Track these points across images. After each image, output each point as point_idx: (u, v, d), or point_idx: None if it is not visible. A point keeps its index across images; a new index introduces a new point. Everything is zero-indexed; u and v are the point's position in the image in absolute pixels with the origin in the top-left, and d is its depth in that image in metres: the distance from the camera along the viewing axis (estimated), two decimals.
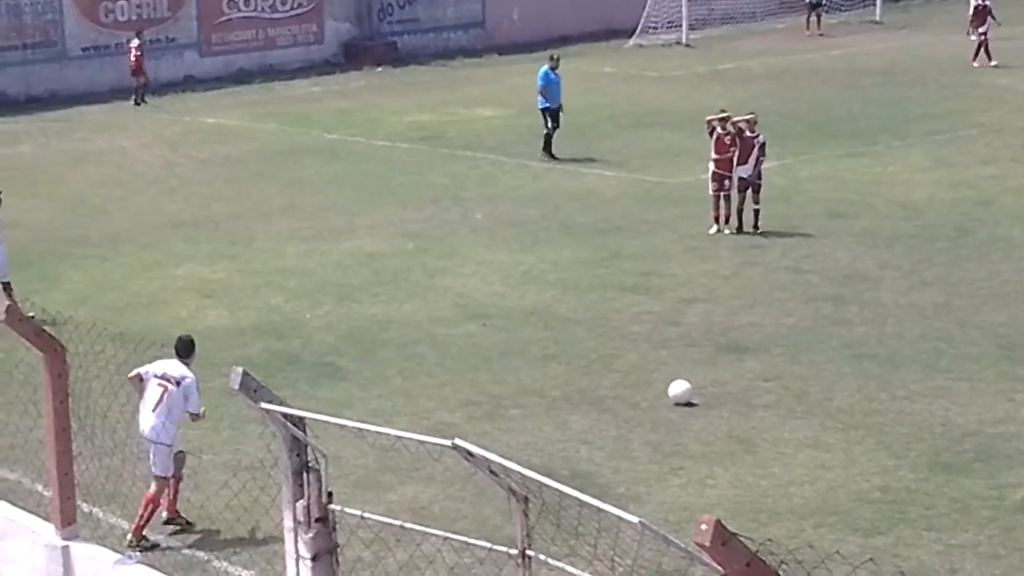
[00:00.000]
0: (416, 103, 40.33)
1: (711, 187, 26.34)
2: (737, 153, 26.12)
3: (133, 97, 42.58)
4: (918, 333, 20.75)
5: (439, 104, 40.11)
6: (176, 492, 15.00)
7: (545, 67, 33.70)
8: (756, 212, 26.24)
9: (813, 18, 51.56)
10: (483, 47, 49.24)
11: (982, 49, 41.96)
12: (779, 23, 52.85)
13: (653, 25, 50.24)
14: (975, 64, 41.60)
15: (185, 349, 15.02)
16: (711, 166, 26.39)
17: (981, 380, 18.85)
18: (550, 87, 33.22)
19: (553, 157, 32.90)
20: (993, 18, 42.55)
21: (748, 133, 26.16)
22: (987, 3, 42.48)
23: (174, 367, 14.84)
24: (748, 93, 39.75)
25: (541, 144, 33.17)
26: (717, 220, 26.31)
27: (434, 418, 17.71)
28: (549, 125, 33.15)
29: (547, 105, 33.17)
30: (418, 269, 24.66)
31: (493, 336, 21.16)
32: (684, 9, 50.20)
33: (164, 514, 14.96)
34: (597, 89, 41.81)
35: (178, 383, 14.69)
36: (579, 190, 29.91)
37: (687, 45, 49.53)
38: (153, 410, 14.65)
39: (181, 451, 15.04)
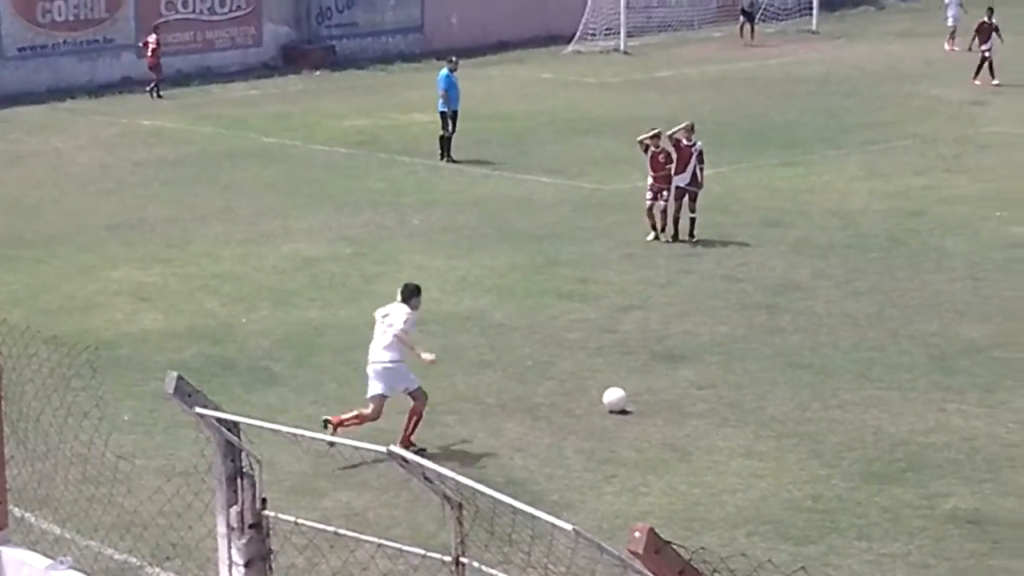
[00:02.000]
0: (354, 107, 40.28)
1: (648, 196, 26.42)
2: (676, 161, 26.22)
3: (150, 89, 42.62)
4: (851, 343, 20.90)
5: (377, 109, 40.07)
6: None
7: (445, 70, 33.85)
8: (692, 220, 26.35)
9: (747, 27, 51.73)
10: (421, 52, 49.20)
11: (985, 66, 41.26)
12: (716, 31, 53.06)
13: (591, 32, 50.35)
14: (976, 82, 41.01)
15: (406, 294, 17.54)
16: (649, 180, 26.48)
17: (913, 390, 19.01)
18: (451, 90, 33.35)
19: (452, 160, 33.04)
20: (999, 36, 41.84)
21: (685, 141, 26.28)
22: (993, 21, 42.04)
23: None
24: (685, 101, 39.92)
25: (439, 148, 33.29)
26: (654, 228, 26.42)
27: (368, 424, 17.70)
28: (449, 128, 33.29)
29: (446, 108, 33.29)
30: (355, 274, 24.64)
31: (429, 342, 21.08)
32: (622, 16, 50.33)
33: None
34: (535, 95, 41.89)
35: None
36: (516, 196, 29.95)
37: (625, 52, 49.65)
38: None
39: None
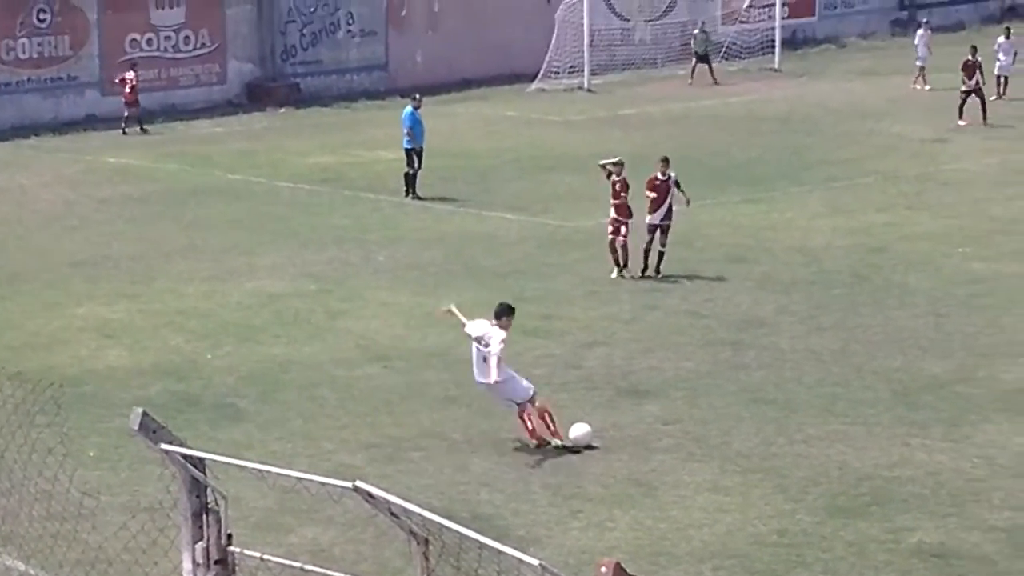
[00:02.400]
0: (319, 144, 40.31)
1: (609, 231, 26.54)
2: (655, 197, 26.32)
3: (129, 124, 42.56)
4: (815, 378, 21.02)
5: (342, 146, 40.10)
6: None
7: (409, 107, 33.94)
8: (660, 255, 26.45)
9: (705, 67, 51.75)
10: (386, 89, 49.24)
11: (971, 103, 41.19)
12: (680, 69, 53.20)
13: (555, 70, 50.49)
14: (961, 122, 40.64)
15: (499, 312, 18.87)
16: (611, 213, 26.61)
17: (877, 425, 19.12)
18: (415, 127, 33.46)
19: (417, 197, 33.12)
20: (981, 74, 41.66)
21: (660, 176, 26.41)
22: (978, 58, 42.01)
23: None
24: (649, 138, 40.01)
25: (404, 185, 33.36)
26: (617, 264, 26.50)
27: (335, 460, 17.70)
28: (415, 165, 33.37)
29: (411, 145, 33.39)
30: (320, 311, 24.64)
31: (394, 378, 21.20)
32: (586, 54, 50.49)
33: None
34: (499, 133, 42.00)
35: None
36: (481, 233, 30.01)
37: (589, 90, 49.80)
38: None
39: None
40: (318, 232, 30.26)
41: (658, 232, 26.42)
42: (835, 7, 64.11)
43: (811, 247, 28.23)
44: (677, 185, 26.52)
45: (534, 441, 18.45)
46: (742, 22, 56.79)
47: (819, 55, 58.23)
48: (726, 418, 19.46)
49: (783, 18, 57.17)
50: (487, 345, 18.44)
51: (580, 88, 49.89)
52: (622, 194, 26.45)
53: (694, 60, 51.83)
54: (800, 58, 56.91)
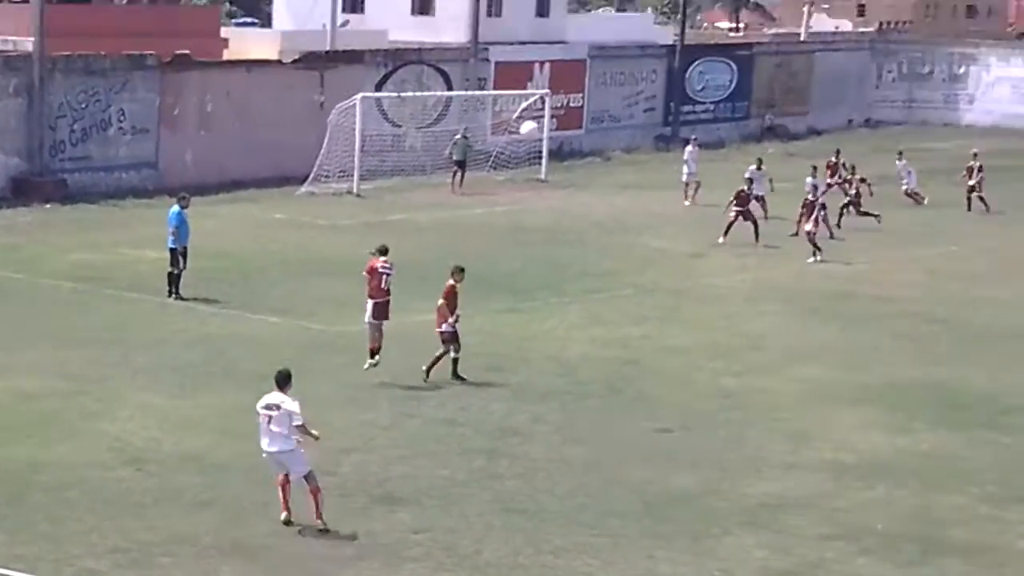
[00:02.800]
0: (83, 242, 39.88)
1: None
2: (449, 305, 26.89)
3: None
4: (566, 488, 21.41)
5: (107, 244, 39.73)
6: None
7: (176, 207, 33.90)
8: (455, 361, 26.90)
9: (458, 175, 52.49)
10: (155, 188, 48.84)
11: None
12: (448, 177, 53.92)
13: (326, 173, 50.73)
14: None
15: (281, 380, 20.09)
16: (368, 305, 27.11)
17: (624, 536, 19.56)
18: (181, 227, 33.48)
19: (181, 297, 33.07)
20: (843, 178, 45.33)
21: (452, 281, 26.97)
22: (841, 159, 45.12)
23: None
24: (416, 245, 40.40)
25: (167, 285, 33.28)
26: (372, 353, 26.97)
27: (79, 565, 17.56)
28: (179, 265, 33.34)
29: (176, 245, 33.38)
30: (74, 411, 24.39)
31: (147, 481, 21.09)
32: (356, 159, 50.86)
33: None
34: (267, 235, 42.03)
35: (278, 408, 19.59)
36: (244, 335, 30.00)
37: (358, 195, 50.12)
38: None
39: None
40: (77, 331, 29.95)
41: (454, 339, 26.85)
42: (601, 121, 65.70)
43: (568, 357, 28.77)
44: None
45: (320, 522, 19.43)
46: (511, 132, 57.78)
47: (584, 167, 59.47)
48: (477, 527, 19.73)
49: (551, 130, 58.36)
50: (278, 408, 19.69)
51: (350, 192, 50.19)
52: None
53: (454, 167, 52.47)
54: (566, 170, 58.04)
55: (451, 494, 21.04)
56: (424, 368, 26.80)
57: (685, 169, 49.55)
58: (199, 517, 19.75)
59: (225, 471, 21.65)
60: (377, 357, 27.15)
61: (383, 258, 27.77)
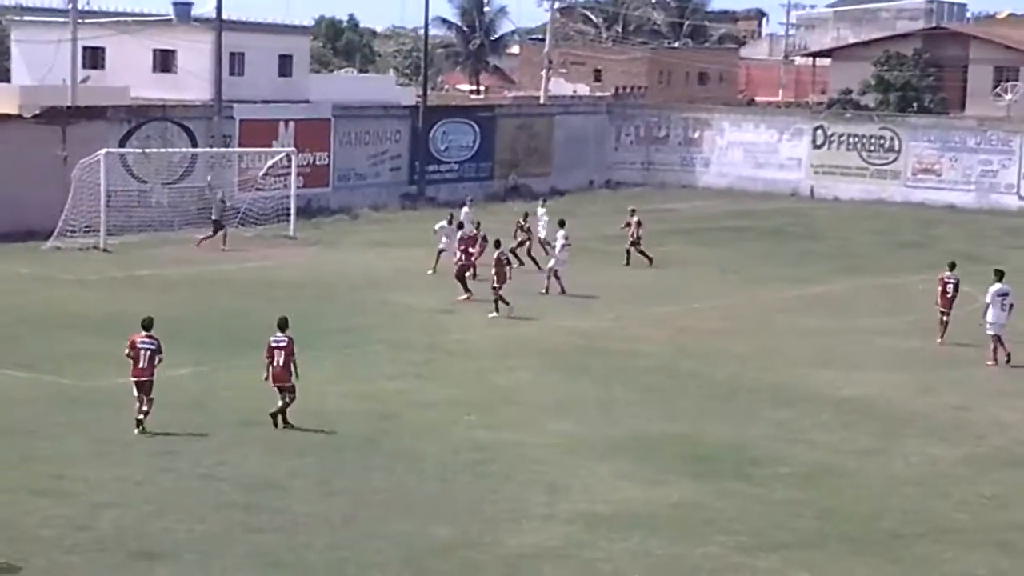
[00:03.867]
0: None
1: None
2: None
3: None
4: (326, 542, 21.45)
5: None
6: None
7: None
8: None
9: (220, 234, 52.21)
10: None
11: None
12: (198, 233, 53.50)
13: (71, 228, 50.00)
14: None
15: None
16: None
17: None
18: None
19: None
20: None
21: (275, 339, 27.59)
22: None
23: None
24: (165, 300, 40.07)
25: None
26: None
27: None
28: None
29: None
30: None
31: None
32: (103, 214, 50.23)
33: None
34: (10, 290, 41.23)
35: None
36: None
37: (105, 250, 49.49)
38: None
39: None
40: None
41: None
42: (348, 179, 65.96)
43: (324, 411, 28.79)
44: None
45: None
46: (258, 189, 57.66)
47: (332, 225, 59.57)
48: None
49: (298, 187, 58.42)
50: None
51: (96, 248, 49.55)
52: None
53: (213, 227, 52.12)
54: (314, 227, 58.09)
55: (210, 549, 20.93)
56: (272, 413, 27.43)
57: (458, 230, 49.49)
58: None
59: None
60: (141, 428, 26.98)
61: (144, 333, 27.43)
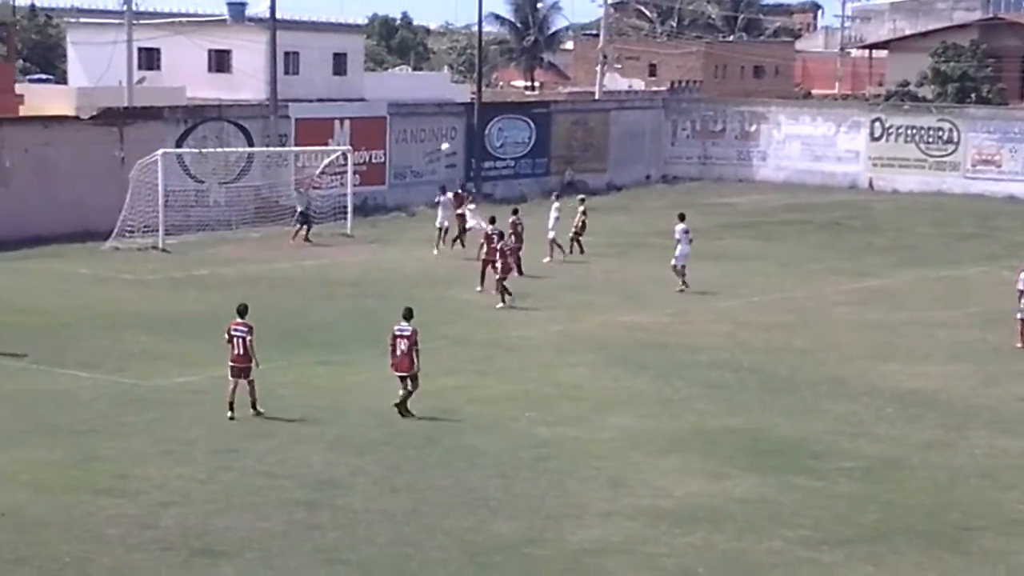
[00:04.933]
0: None
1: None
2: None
3: None
4: (388, 539, 21.42)
5: None
6: None
7: None
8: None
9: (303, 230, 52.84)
10: None
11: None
12: (254, 232, 53.71)
13: (129, 229, 50.27)
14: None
15: None
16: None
17: None
18: None
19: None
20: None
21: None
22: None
23: None
24: (223, 299, 40.17)
25: None
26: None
27: None
28: None
29: None
30: None
31: None
32: (161, 214, 50.47)
33: None
34: (72, 290, 41.48)
35: None
36: (54, 391, 29.53)
37: (163, 250, 49.72)
38: None
39: None
40: None
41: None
42: (404, 176, 65.99)
43: (384, 409, 28.75)
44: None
45: None
46: (315, 188, 57.76)
47: (389, 222, 59.66)
48: None
49: (355, 185, 58.52)
50: None
51: (154, 247, 49.78)
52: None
53: (300, 219, 52.81)
54: (371, 224, 58.18)
55: (273, 546, 20.93)
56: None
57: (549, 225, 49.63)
58: (15, 574, 19.43)
59: (40, 527, 21.30)
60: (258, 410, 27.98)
61: (239, 319, 28.23)
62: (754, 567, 20.81)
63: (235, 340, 28.10)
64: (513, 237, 43.96)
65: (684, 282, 43.79)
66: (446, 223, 50.70)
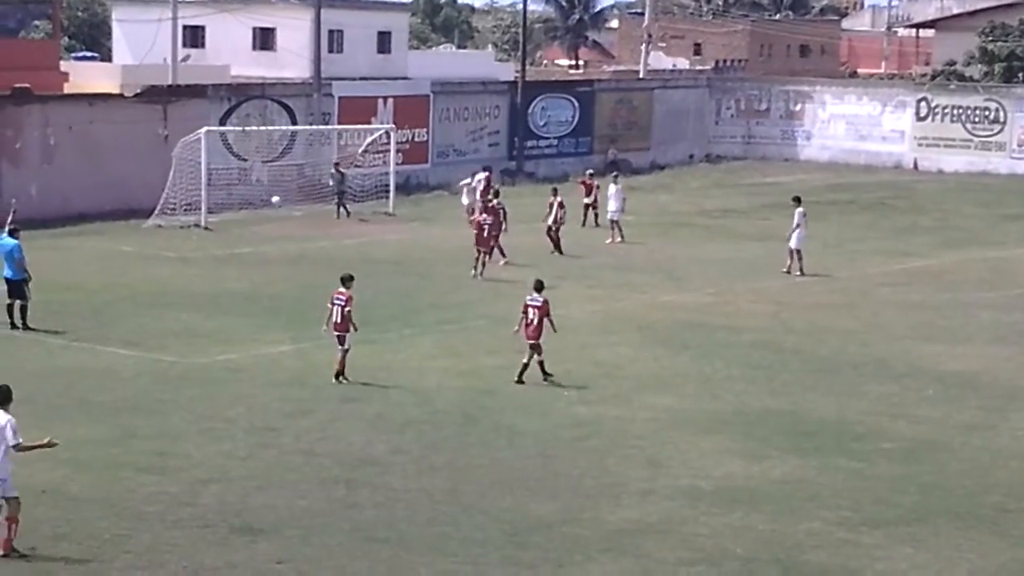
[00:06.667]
0: None
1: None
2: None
3: None
4: (426, 517, 21.42)
5: None
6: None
7: (12, 239, 33.46)
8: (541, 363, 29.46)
9: (342, 209, 53.20)
10: None
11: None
12: (296, 211, 53.79)
13: (172, 206, 50.43)
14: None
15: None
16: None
17: (487, 564, 19.60)
18: (22, 257, 33.00)
19: (29, 328, 32.62)
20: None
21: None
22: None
23: None
24: (265, 277, 40.35)
25: (7, 316, 32.92)
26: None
27: None
28: (21, 296, 32.78)
29: (18, 276, 32.88)
30: None
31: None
32: (203, 192, 50.60)
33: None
34: (115, 268, 41.63)
35: None
36: (95, 368, 29.64)
37: (206, 228, 49.86)
38: None
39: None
40: None
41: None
42: (447, 155, 66.02)
43: (423, 388, 28.81)
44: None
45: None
46: (357, 166, 57.84)
47: (432, 201, 59.69)
48: (339, 556, 19.68)
49: (397, 164, 58.52)
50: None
51: (197, 225, 49.93)
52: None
53: (337, 199, 53.18)
54: (414, 203, 58.23)
55: (312, 524, 20.95)
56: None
57: (611, 207, 49.65)
58: (56, 550, 19.49)
59: (80, 504, 21.38)
60: (341, 379, 28.88)
61: (341, 288, 29.38)
62: (792, 548, 20.72)
63: (334, 308, 29.09)
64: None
65: (801, 267, 43.44)
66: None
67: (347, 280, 29.54)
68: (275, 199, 51.55)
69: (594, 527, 21.29)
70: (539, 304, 29.68)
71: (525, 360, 29.39)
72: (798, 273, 43.28)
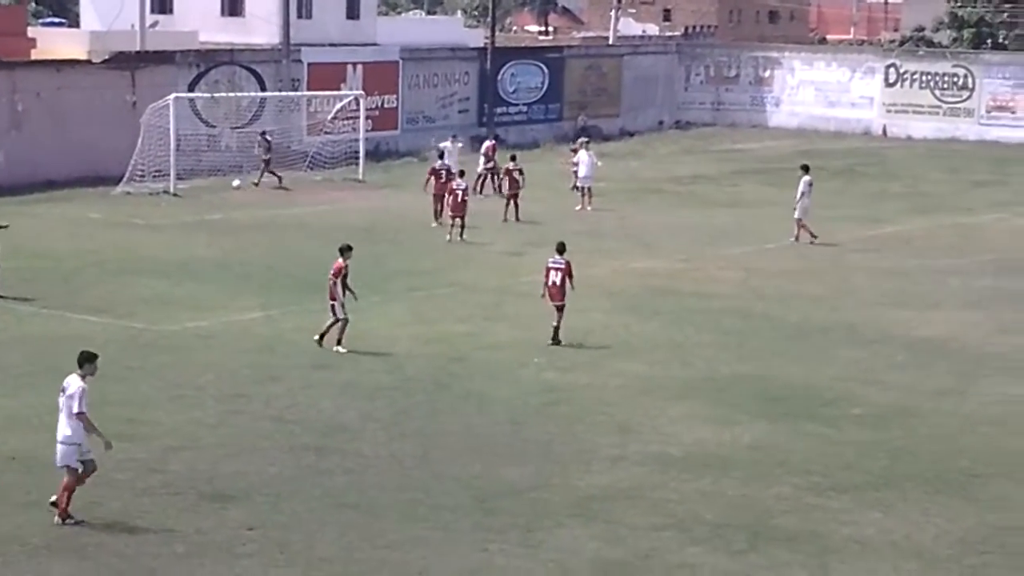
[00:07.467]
0: None
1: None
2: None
3: None
4: (397, 484, 21.45)
5: None
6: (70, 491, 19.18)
7: None
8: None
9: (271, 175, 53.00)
10: None
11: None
12: (266, 177, 53.61)
13: (141, 173, 50.20)
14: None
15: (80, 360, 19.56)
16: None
17: (457, 530, 19.65)
18: None
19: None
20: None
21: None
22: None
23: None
24: (235, 244, 40.25)
25: None
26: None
27: None
28: None
29: None
30: None
31: None
32: (172, 158, 50.39)
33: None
34: (83, 235, 41.47)
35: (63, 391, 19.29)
36: (65, 335, 29.46)
37: (175, 194, 49.68)
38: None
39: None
40: None
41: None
42: (416, 122, 65.86)
43: (394, 355, 28.80)
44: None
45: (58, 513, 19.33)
46: (327, 133, 57.67)
47: (400, 168, 59.55)
48: (309, 523, 19.69)
49: (367, 131, 58.37)
50: (70, 396, 19.33)
51: (166, 192, 49.74)
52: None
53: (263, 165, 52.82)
54: (383, 170, 58.11)
55: (282, 491, 20.97)
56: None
57: (581, 173, 49.55)
58: (27, 516, 19.50)
59: (51, 470, 21.21)
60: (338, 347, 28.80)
61: (339, 258, 29.45)
62: (762, 513, 20.80)
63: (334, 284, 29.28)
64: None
65: (811, 233, 43.28)
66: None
67: (344, 251, 29.59)
68: (235, 183, 51.27)
69: (564, 493, 21.34)
70: (562, 265, 30.24)
71: (555, 323, 29.90)
72: (808, 240, 43.05)
